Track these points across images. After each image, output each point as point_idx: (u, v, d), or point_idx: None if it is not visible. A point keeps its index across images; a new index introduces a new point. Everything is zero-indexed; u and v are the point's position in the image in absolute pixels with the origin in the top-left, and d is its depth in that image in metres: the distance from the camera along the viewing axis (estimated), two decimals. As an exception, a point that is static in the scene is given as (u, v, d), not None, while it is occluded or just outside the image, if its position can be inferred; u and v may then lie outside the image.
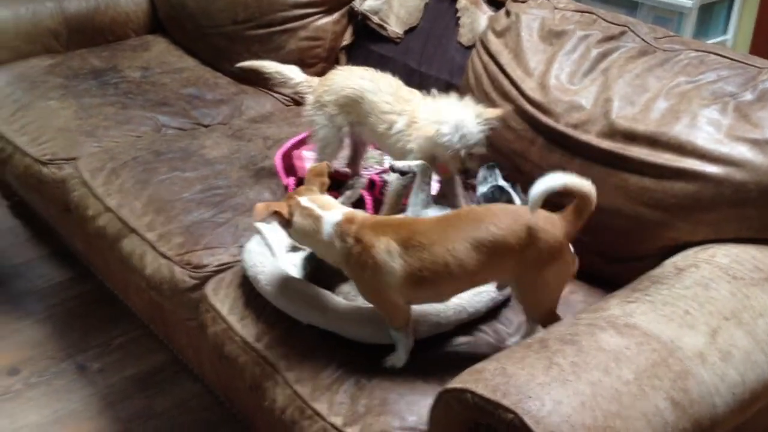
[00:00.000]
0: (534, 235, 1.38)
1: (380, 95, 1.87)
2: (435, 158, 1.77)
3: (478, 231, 1.40)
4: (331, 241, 1.47)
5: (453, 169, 1.76)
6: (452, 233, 1.41)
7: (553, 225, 1.39)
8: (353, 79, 1.94)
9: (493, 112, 1.74)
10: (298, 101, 2.42)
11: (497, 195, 1.75)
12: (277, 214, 1.49)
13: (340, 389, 1.49)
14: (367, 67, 1.99)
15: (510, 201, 1.73)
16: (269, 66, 2.14)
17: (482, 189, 1.78)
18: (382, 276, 1.43)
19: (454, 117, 1.70)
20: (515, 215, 1.41)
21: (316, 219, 1.49)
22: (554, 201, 1.37)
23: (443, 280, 1.42)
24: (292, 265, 1.74)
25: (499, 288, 1.61)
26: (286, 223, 1.52)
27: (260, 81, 2.69)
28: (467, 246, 1.40)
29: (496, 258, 1.40)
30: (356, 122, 1.96)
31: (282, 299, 1.64)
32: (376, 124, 1.88)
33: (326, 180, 1.57)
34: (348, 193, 1.74)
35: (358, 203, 1.96)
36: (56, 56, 2.86)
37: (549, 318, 1.46)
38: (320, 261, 1.66)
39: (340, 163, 2.11)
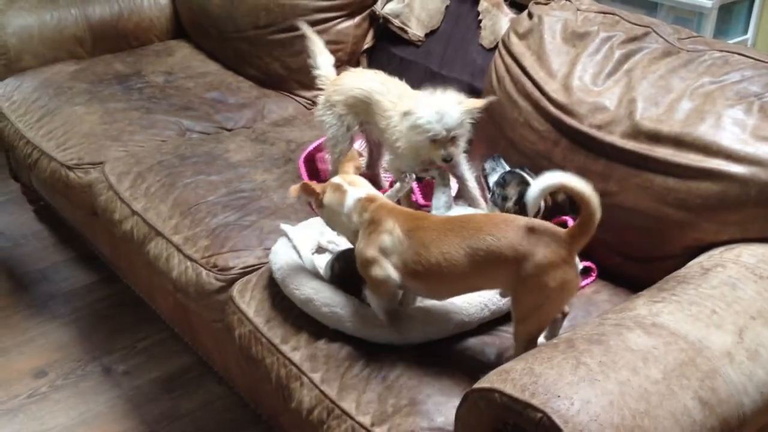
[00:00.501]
0: (533, 248, 1.36)
1: (387, 96, 1.90)
2: (419, 151, 1.79)
3: (474, 239, 1.41)
4: (350, 214, 1.55)
5: (437, 159, 1.77)
6: (450, 237, 1.44)
7: (555, 239, 1.37)
8: (362, 80, 1.97)
9: (474, 102, 1.77)
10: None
11: (509, 179, 1.78)
12: (309, 191, 1.58)
13: (368, 388, 1.50)
14: (378, 70, 2.01)
15: (524, 182, 1.75)
16: (313, 41, 2.15)
17: (493, 178, 1.81)
18: (383, 252, 1.49)
19: (433, 102, 1.74)
20: (516, 227, 1.39)
21: (342, 193, 1.57)
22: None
23: (435, 278, 1.46)
24: (318, 267, 1.75)
25: (503, 295, 1.61)
26: (319, 202, 1.59)
27: (282, 84, 2.73)
28: (461, 252, 1.42)
29: (490, 267, 1.41)
30: (365, 122, 1.99)
31: (309, 304, 1.66)
32: (379, 122, 1.91)
33: (359, 164, 1.67)
34: (397, 185, 1.76)
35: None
36: (81, 62, 2.89)
37: (531, 342, 1.42)
38: (346, 263, 1.68)
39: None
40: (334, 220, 1.60)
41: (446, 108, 1.73)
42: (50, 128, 2.51)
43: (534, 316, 1.41)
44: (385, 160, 2.16)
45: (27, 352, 2.47)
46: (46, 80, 2.74)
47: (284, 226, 1.84)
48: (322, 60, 2.11)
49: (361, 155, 1.64)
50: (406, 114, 1.76)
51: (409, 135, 1.78)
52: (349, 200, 1.55)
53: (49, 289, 2.75)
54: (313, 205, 1.63)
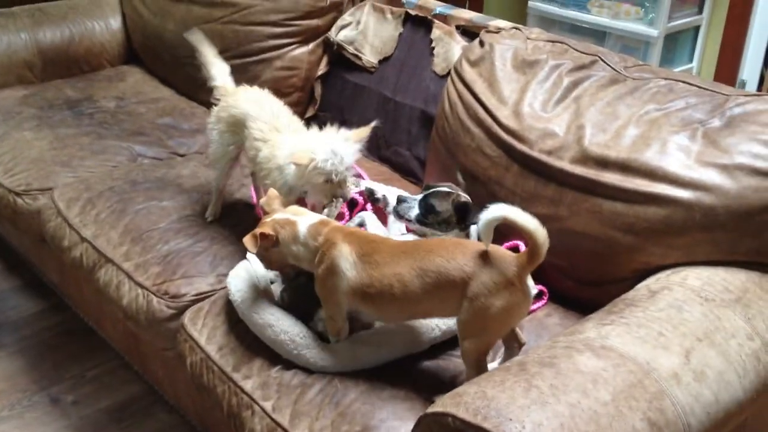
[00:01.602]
0: (479, 269, 1.40)
1: (257, 122, 1.89)
2: (303, 191, 1.78)
3: (424, 261, 1.44)
4: (306, 241, 1.55)
5: (324, 199, 1.76)
6: (403, 259, 1.47)
7: (502, 262, 1.40)
8: (244, 100, 1.96)
9: (360, 133, 1.77)
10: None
11: (434, 202, 1.76)
12: (265, 237, 1.55)
13: (321, 415, 1.49)
14: (263, 90, 2.00)
15: (448, 194, 1.76)
16: (204, 53, 2.12)
17: (415, 212, 1.77)
18: (335, 277, 1.51)
19: (327, 143, 1.71)
20: (465, 250, 1.43)
21: (292, 224, 1.57)
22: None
23: (387, 301, 1.48)
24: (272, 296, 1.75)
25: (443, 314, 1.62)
26: (276, 242, 1.57)
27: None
28: (412, 273, 1.45)
29: (438, 290, 1.43)
30: (241, 143, 1.98)
31: (268, 329, 1.65)
32: (248, 149, 1.91)
33: (283, 200, 1.66)
34: (326, 211, 1.76)
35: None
36: (30, 87, 2.86)
37: (479, 361, 1.44)
38: (294, 292, 1.68)
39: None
40: (295, 254, 1.58)
41: (341, 147, 1.71)
42: (-2, 153, 2.47)
43: (478, 336, 1.43)
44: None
45: (-29, 384, 2.41)
46: (-6, 105, 2.70)
47: (249, 255, 1.83)
48: (217, 70, 2.09)
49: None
50: (304, 162, 1.70)
51: (298, 176, 1.74)
52: (302, 227, 1.56)
53: (-5, 317, 2.69)
54: (263, 250, 1.60)
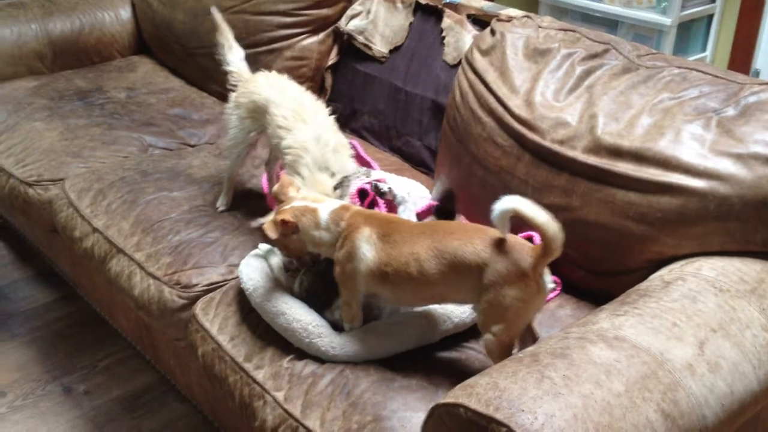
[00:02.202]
0: (495, 257, 1.39)
1: (281, 109, 1.89)
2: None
3: (442, 242, 1.44)
4: (328, 227, 1.55)
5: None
6: (421, 239, 1.47)
7: (520, 252, 1.39)
8: (265, 86, 1.96)
9: None
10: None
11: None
12: (285, 224, 1.54)
13: (332, 406, 1.49)
14: (286, 77, 2.01)
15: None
16: (223, 33, 2.13)
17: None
18: (355, 260, 1.51)
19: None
20: (484, 236, 1.42)
21: (313, 212, 1.56)
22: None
23: (403, 281, 1.48)
24: (289, 285, 1.73)
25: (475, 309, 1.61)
26: (296, 229, 1.56)
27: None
28: (429, 254, 1.44)
29: (454, 272, 1.43)
30: (263, 130, 1.98)
31: (281, 317, 1.64)
32: (272, 136, 1.91)
33: (297, 185, 1.65)
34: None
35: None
36: (41, 78, 2.86)
37: (504, 353, 1.43)
38: (315, 276, 1.67)
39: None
40: (313, 240, 1.57)
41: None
42: (9, 144, 2.47)
43: (497, 327, 1.42)
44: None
45: (-15, 373, 2.42)
46: (5, 96, 2.70)
47: (261, 244, 1.82)
48: (233, 56, 2.11)
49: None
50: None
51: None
52: (323, 214, 1.56)
53: (7, 307, 2.69)
54: (282, 237, 1.58)
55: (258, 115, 1.96)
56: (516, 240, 1.42)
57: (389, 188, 1.93)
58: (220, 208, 2.10)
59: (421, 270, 1.45)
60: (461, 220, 1.97)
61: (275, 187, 1.65)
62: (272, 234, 1.54)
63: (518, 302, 1.40)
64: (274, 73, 2.02)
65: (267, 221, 1.56)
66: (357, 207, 1.60)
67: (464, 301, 1.53)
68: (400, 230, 1.50)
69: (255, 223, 1.83)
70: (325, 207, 1.57)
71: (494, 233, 1.42)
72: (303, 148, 1.81)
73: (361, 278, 1.52)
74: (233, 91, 2.06)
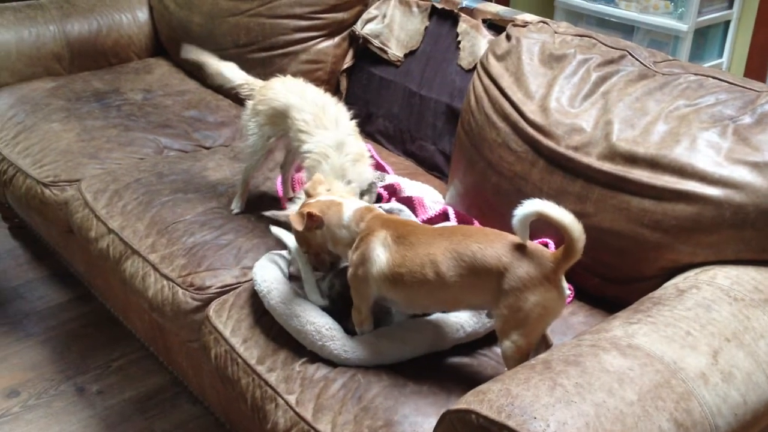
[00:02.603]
0: (516, 262, 1.37)
1: (302, 113, 1.88)
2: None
3: (461, 245, 1.43)
4: (348, 225, 1.54)
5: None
6: (438, 241, 1.45)
7: (540, 257, 1.38)
8: (283, 92, 1.96)
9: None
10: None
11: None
12: (311, 217, 1.54)
13: (343, 410, 1.49)
14: (303, 81, 2.00)
15: None
16: (211, 64, 2.15)
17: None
18: (367, 263, 1.50)
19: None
20: (504, 240, 1.41)
21: (338, 206, 1.56)
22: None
23: (418, 283, 1.46)
24: (315, 289, 1.71)
25: (489, 315, 1.61)
26: (320, 224, 1.56)
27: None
28: (447, 256, 1.43)
29: (472, 276, 1.41)
30: (283, 135, 1.99)
31: (294, 319, 1.64)
32: (293, 139, 1.91)
33: (327, 185, 1.64)
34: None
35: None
36: (59, 79, 2.88)
37: (522, 359, 1.40)
38: (346, 285, 1.65)
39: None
40: (333, 237, 1.57)
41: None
42: (26, 145, 2.49)
43: (516, 333, 1.40)
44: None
45: (0, 372, 2.44)
46: (23, 97, 2.72)
47: (275, 230, 1.82)
48: (230, 71, 2.12)
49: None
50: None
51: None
52: (348, 211, 1.55)
53: (23, 307, 2.71)
54: (306, 230, 1.57)
55: (278, 120, 1.96)
56: (536, 245, 1.41)
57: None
58: (235, 211, 2.11)
59: (438, 272, 1.43)
60: (475, 224, 1.97)
61: (307, 184, 1.65)
62: (298, 226, 1.53)
63: (540, 308, 1.38)
64: (289, 77, 2.03)
65: (291, 213, 1.56)
66: (379, 210, 1.58)
67: (480, 306, 1.52)
68: (417, 232, 1.49)
69: (269, 213, 1.83)
70: (350, 204, 1.57)
71: (514, 238, 1.41)
72: (323, 155, 1.81)
73: (373, 282, 1.51)
74: (249, 99, 2.06)
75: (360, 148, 1.87)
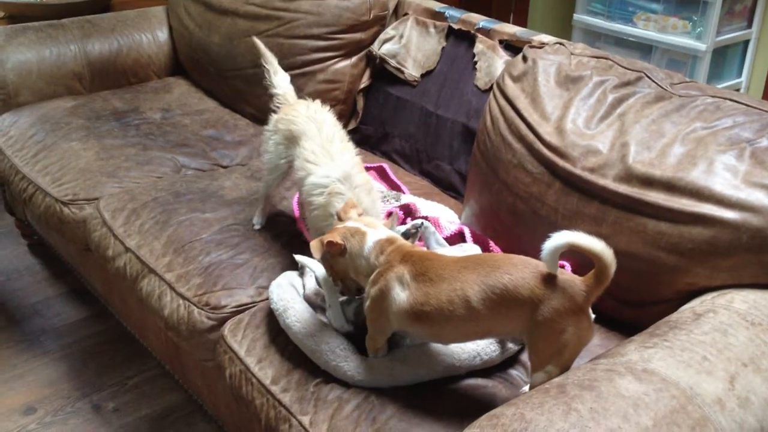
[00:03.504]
0: (550, 293, 1.35)
1: (310, 143, 1.87)
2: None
3: (490, 277, 1.38)
4: (369, 256, 1.51)
5: None
6: (465, 274, 1.41)
7: (572, 286, 1.35)
8: (304, 117, 1.95)
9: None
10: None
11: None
12: (332, 245, 1.51)
13: (357, 431, 1.49)
14: (326, 109, 1.99)
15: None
16: (269, 59, 2.16)
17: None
18: (386, 301, 1.47)
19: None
20: (535, 270, 1.37)
21: (362, 235, 1.53)
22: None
23: (446, 318, 1.42)
24: (341, 315, 1.69)
25: (514, 341, 1.60)
26: (342, 252, 1.52)
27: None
28: (475, 289, 1.39)
29: (504, 308, 1.38)
30: (293, 158, 1.96)
31: (309, 339, 1.64)
32: (297, 168, 1.89)
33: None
34: (410, 240, 1.73)
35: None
36: (79, 98, 2.91)
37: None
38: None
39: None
40: (354, 266, 1.53)
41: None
42: (46, 163, 2.52)
43: (552, 364, 1.39)
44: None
45: (16, 388, 2.44)
46: (43, 116, 2.75)
47: (302, 260, 1.79)
48: (279, 79, 2.13)
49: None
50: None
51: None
52: (369, 241, 1.51)
53: (40, 324, 2.73)
54: (329, 256, 1.56)
55: (292, 144, 1.95)
56: (566, 274, 1.38)
57: (416, 228, 1.90)
58: (256, 226, 2.12)
59: (467, 307, 1.39)
60: (491, 246, 1.97)
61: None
62: (316, 254, 1.50)
63: (575, 338, 1.37)
64: (316, 103, 2.01)
65: (314, 240, 1.52)
66: (401, 241, 1.53)
67: (510, 335, 1.51)
68: (439, 267, 1.44)
69: (298, 257, 1.80)
70: (374, 234, 1.52)
71: (542, 266, 1.37)
72: (335, 193, 1.77)
73: (393, 318, 1.48)
74: (275, 112, 2.07)
75: (367, 179, 1.84)
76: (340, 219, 1.60)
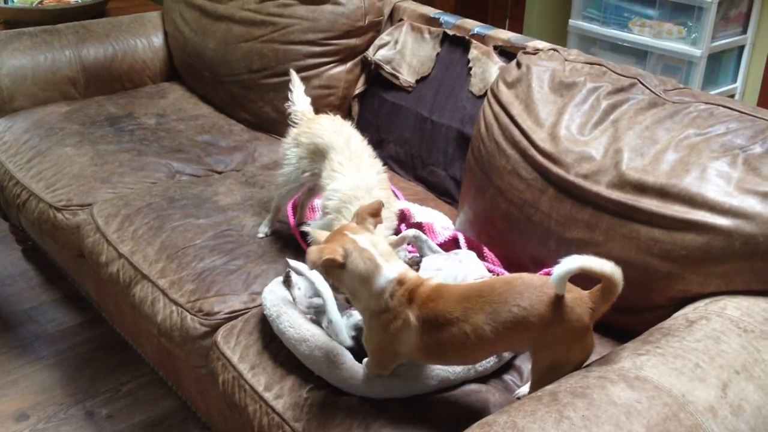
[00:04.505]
0: (559, 314, 1.34)
1: (339, 156, 1.88)
2: None
3: (498, 312, 1.36)
4: (378, 293, 1.41)
5: None
6: (472, 314, 1.37)
7: (579, 305, 1.35)
8: (330, 130, 1.95)
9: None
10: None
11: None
12: (332, 264, 1.39)
13: (349, 440, 1.49)
14: (350, 124, 2.00)
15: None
16: (296, 86, 2.17)
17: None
18: (395, 341, 1.43)
19: None
20: (540, 292, 1.35)
21: (376, 267, 1.41)
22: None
23: (456, 354, 1.42)
24: (343, 328, 1.66)
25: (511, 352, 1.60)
26: (341, 266, 1.41)
27: (274, 128, 2.74)
28: (486, 328, 1.36)
29: (516, 334, 1.37)
30: (317, 172, 1.96)
31: (303, 344, 1.64)
32: (324, 178, 1.90)
33: (380, 219, 1.49)
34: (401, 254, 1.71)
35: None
36: (73, 103, 2.91)
37: None
38: None
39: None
40: (352, 289, 1.44)
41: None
42: (40, 169, 2.51)
43: (553, 376, 1.37)
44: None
45: (9, 395, 2.44)
46: (37, 121, 2.75)
47: (297, 266, 1.77)
48: (299, 98, 2.13)
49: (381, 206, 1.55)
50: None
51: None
52: (382, 280, 1.41)
53: (34, 329, 2.72)
54: (327, 264, 1.41)
55: (316, 157, 1.95)
56: (574, 290, 1.37)
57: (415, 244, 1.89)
58: (260, 235, 2.11)
59: (478, 342, 1.37)
60: (484, 251, 1.97)
61: (363, 206, 1.50)
62: (309, 263, 1.39)
63: (582, 354, 1.39)
64: (338, 117, 2.02)
65: (314, 247, 1.41)
66: (410, 278, 1.43)
67: (516, 352, 1.53)
68: (445, 309, 1.39)
69: (293, 262, 1.79)
70: (388, 272, 1.41)
71: (547, 286, 1.36)
72: (353, 197, 1.77)
73: (401, 356, 1.47)
74: (293, 127, 2.06)
75: (388, 195, 1.85)
76: (354, 222, 1.48)
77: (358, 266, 1.40)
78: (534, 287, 1.37)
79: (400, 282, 1.42)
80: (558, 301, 1.35)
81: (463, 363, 1.53)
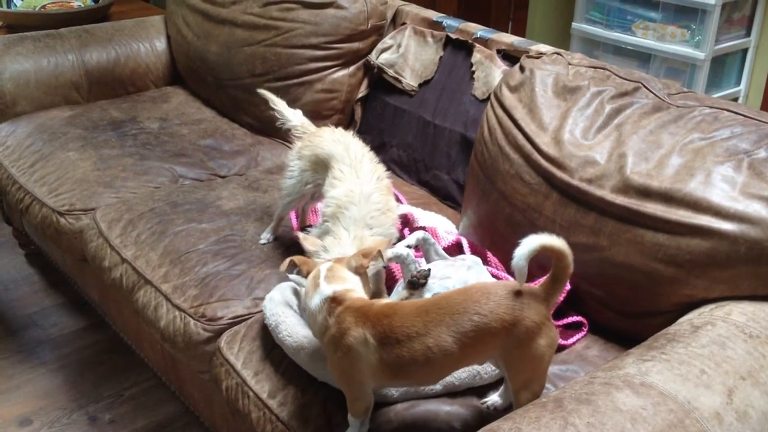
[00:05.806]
0: (518, 314, 1.34)
1: (339, 164, 1.88)
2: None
3: (459, 324, 1.34)
4: (314, 314, 1.44)
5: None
6: (433, 327, 1.35)
7: (535, 299, 1.35)
8: (329, 141, 1.95)
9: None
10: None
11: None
12: (293, 264, 1.50)
13: (353, 447, 1.48)
14: (352, 134, 2.00)
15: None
16: (278, 104, 2.18)
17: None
18: (355, 361, 1.40)
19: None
20: (496, 297, 1.35)
21: (315, 287, 1.45)
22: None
23: (421, 371, 1.38)
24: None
25: (496, 365, 1.58)
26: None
27: (276, 132, 2.74)
28: (449, 340, 1.34)
29: (480, 344, 1.36)
30: (320, 183, 1.96)
31: (301, 352, 1.63)
32: (326, 186, 1.89)
33: (367, 264, 1.48)
34: (404, 293, 1.68)
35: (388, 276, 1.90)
36: (76, 107, 2.91)
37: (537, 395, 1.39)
38: None
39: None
40: (304, 308, 1.50)
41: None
42: (43, 174, 2.51)
43: (533, 379, 1.38)
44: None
45: (13, 400, 2.43)
46: (40, 125, 2.75)
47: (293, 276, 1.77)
48: (292, 115, 2.13)
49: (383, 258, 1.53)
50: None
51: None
52: (317, 298, 1.44)
53: (37, 334, 2.72)
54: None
55: (319, 168, 1.95)
56: (526, 288, 1.36)
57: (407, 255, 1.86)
58: (262, 241, 2.11)
59: (442, 356, 1.35)
60: (488, 256, 1.96)
61: (364, 248, 1.55)
62: (282, 267, 1.51)
63: (549, 349, 1.37)
64: (340, 129, 2.02)
65: (288, 259, 1.51)
66: (350, 299, 1.43)
67: (487, 362, 1.49)
68: (402, 324, 1.37)
69: (293, 276, 1.78)
70: (324, 290, 1.44)
71: (502, 290, 1.36)
72: (348, 203, 1.77)
73: (367, 379, 1.42)
74: (297, 141, 2.07)
75: (387, 200, 1.83)
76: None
77: (306, 286, 1.48)
78: (490, 293, 1.36)
79: (336, 300, 1.42)
80: (515, 300, 1.35)
81: (430, 381, 1.48)
